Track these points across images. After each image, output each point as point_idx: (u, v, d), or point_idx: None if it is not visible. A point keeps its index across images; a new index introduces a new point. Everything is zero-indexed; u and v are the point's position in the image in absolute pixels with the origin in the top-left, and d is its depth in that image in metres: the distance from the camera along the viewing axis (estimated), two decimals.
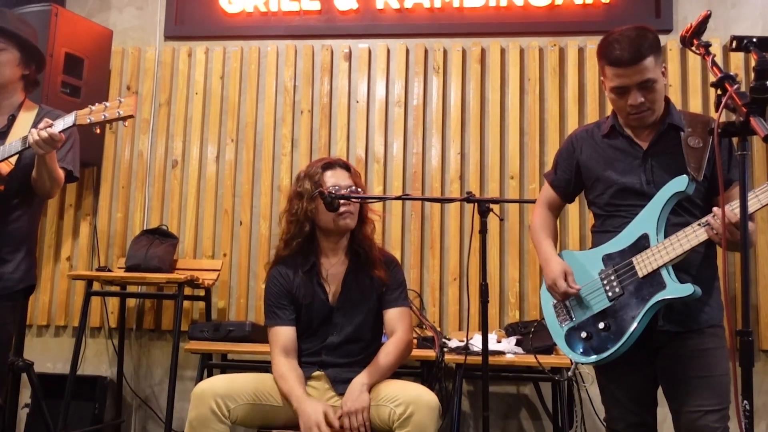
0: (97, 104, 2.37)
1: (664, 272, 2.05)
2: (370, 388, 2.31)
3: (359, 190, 2.56)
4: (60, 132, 2.33)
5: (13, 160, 2.45)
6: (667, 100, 2.24)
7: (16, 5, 3.57)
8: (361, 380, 2.32)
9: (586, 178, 2.31)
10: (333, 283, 2.52)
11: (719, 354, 2.08)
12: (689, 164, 2.09)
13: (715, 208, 1.98)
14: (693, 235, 2.02)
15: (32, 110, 2.60)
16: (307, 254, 2.53)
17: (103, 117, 2.33)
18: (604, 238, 2.23)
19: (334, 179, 2.52)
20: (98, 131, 2.48)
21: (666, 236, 2.07)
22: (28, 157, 2.50)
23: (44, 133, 2.29)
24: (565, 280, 2.18)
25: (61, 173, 2.49)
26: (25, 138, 2.39)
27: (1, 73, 2.54)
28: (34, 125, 2.42)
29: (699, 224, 2.01)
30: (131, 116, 2.33)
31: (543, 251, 2.32)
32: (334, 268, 2.54)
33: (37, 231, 2.67)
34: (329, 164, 2.57)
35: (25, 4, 3.67)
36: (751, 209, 1.86)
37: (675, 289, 2.02)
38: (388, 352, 2.43)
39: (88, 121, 2.34)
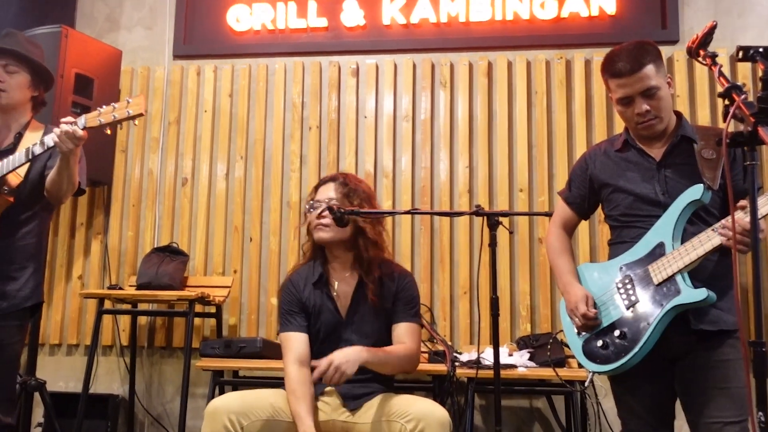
0: (104, 106, 2.39)
1: (678, 278, 2.05)
2: (365, 363, 2.29)
3: (350, 195, 2.52)
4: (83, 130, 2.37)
5: (22, 172, 2.49)
6: (679, 114, 2.27)
7: (27, 27, 3.61)
8: (360, 351, 2.30)
9: (601, 190, 2.33)
10: (343, 297, 2.52)
11: (738, 365, 2.06)
12: (704, 174, 2.10)
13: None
14: (707, 241, 2.02)
15: (38, 130, 2.65)
16: (317, 265, 2.56)
17: (113, 117, 2.35)
18: (621, 249, 2.23)
19: (320, 195, 2.55)
20: (109, 132, 2.48)
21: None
22: (37, 172, 2.54)
23: (67, 127, 2.32)
24: (586, 304, 2.20)
25: (77, 178, 2.53)
26: (28, 150, 2.43)
27: (13, 95, 2.61)
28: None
29: (713, 230, 2.02)
30: (141, 114, 2.35)
31: (564, 278, 2.34)
32: (344, 282, 2.54)
33: (45, 249, 2.70)
34: (319, 183, 2.65)
35: (36, 25, 3.72)
36: (761, 213, 1.88)
37: (690, 294, 2.02)
38: (395, 347, 2.44)
39: (98, 122, 2.37)
